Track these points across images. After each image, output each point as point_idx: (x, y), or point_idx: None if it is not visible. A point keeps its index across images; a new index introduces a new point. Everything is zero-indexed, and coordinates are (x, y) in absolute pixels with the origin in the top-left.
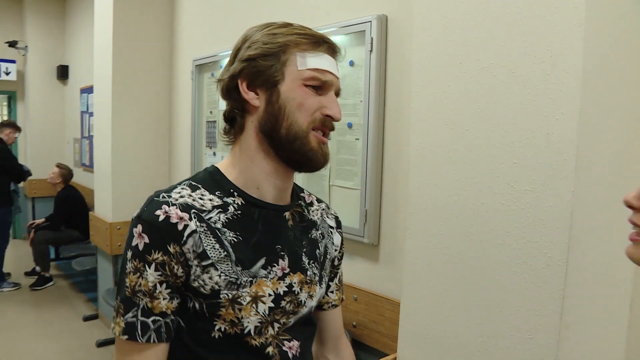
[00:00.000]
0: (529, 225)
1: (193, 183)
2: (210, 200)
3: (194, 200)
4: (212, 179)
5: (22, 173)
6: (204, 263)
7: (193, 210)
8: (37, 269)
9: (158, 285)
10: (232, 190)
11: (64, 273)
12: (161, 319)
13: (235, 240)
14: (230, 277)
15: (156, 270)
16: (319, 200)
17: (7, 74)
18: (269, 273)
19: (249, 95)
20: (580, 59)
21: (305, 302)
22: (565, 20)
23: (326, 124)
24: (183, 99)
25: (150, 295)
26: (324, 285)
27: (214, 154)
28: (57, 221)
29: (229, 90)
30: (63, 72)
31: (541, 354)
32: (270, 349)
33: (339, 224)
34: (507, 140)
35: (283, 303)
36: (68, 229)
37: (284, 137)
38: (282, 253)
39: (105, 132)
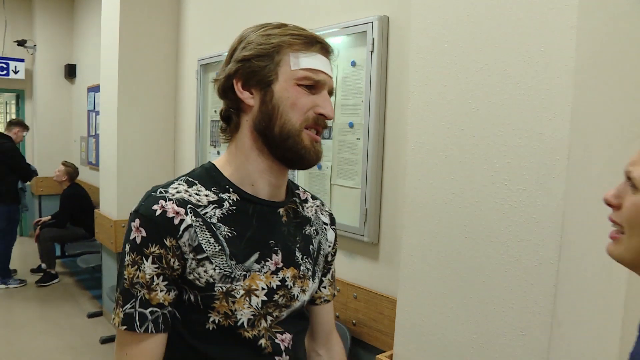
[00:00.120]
0: (522, 223)
1: (190, 179)
2: (206, 195)
3: (190, 195)
4: (208, 175)
5: (29, 172)
6: (199, 256)
7: (189, 205)
8: (43, 266)
9: (155, 277)
10: (227, 187)
11: (69, 270)
12: (159, 310)
13: (229, 235)
14: (225, 271)
15: (153, 263)
16: (313, 197)
17: (16, 72)
18: (263, 267)
19: (244, 95)
20: (572, 60)
21: (298, 296)
22: (558, 22)
23: (319, 123)
24: (188, 98)
25: (148, 287)
26: (317, 280)
27: (218, 152)
28: (62, 219)
29: (225, 90)
30: (71, 71)
31: (533, 350)
32: (262, 341)
33: (333, 221)
34: (502, 139)
35: (276, 297)
36: (73, 226)
37: (277, 136)
38: (275, 248)
39: (111, 130)
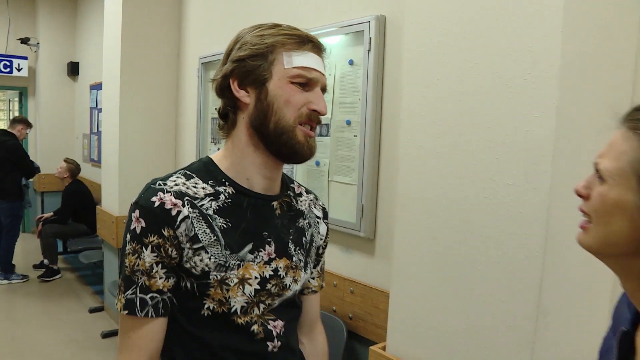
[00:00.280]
0: (509, 217)
1: (188, 172)
2: (203, 188)
3: (187, 188)
4: (205, 169)
5: (33, 169)
6: (195, 246)
7: (186, 198)
8: (45, 261)
9: (154, 265)
10: (223, 180)
11: (71, 266)
12: (158, 296)
13: (225, 226)
14: (220, 260)
15: (152, 251)
16: (307, 191)
17: (19, 70)
18: (256, 257)
19: (240, 94)
20: (558, 59)
21: (290, 285)
22: (544, 23)
23: (312, 118)
24: (189, 96)
25: (148, 274)
26: (308, 271)
27: (219, 149)
28: (64, 215)
29: (222, 89)
30: (73, 69)
31: (520, 340)
32: (255, 327)
33: (325, 215)
34: (490, 136)
35: (269, 286)
36: (75, 222)
37: (272, 132)
38: (269, 239)
39: (113, 128)
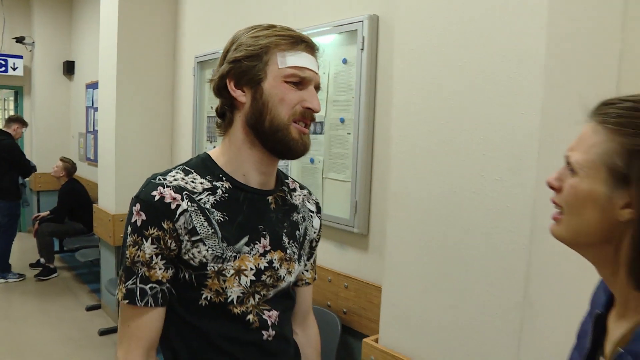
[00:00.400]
0: (497, 212)
1: (186, 168)
2: (201, 183)
3: (186, 183)
4: (203, 165)
5: (29, 168)
6: (193, 238)
7: (185, 192)
8: (42, 260)
9: (154, 256)
10: (221, 176)
11: (67, 265)
12: (157, 286)
13: (222, 219)
14: (217, 252)
15: (152, 243)
16: (301, 187)
17: (14, 69)
18: (252, 250)
19: (236, 93)
20: (542, 58)
21: (284, 277)
22: (529, 24)
23: (306, 116)
24: (185, 94)
25: (148, 265)
26: (302, 264)
27: (214, 147)
28: (60, 214)
29: (219, 89)
30: (69, 68)
31: (507, 330)
32: (250, 317)
33: (319, 209)
34: (478, 133)
35: (264, 277)
36: (71, 221)
37: (267, 129)
38: (264, 232)
39: (110, 126)
